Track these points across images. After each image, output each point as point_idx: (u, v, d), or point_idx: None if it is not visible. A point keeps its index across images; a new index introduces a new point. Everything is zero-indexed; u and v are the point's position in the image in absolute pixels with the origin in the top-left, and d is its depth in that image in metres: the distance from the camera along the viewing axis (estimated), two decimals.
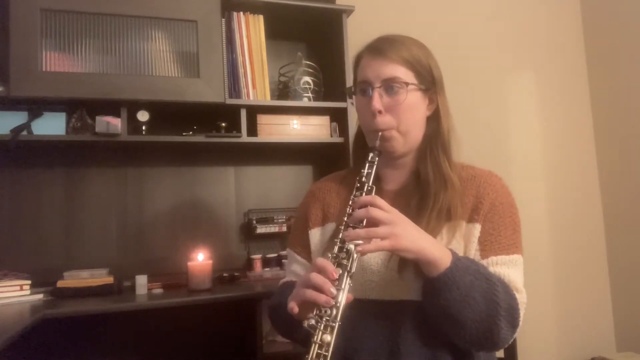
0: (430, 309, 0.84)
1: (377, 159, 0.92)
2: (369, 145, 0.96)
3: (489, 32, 2.41)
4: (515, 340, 1.32)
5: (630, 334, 2.35)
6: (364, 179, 0.90)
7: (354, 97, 1.02)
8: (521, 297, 0.87)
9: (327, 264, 0.79)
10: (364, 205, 0.81)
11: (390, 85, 0.92)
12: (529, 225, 2.40)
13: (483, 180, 0.95)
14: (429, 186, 0.93)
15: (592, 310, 2.41)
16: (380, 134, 0.93)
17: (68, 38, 1.57)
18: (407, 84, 0.92)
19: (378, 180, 0.98)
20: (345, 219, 0.86)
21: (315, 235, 1.04)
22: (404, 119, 0.93)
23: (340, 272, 0.79)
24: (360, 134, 1.04)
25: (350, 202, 0.88)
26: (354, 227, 0.82)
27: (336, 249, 0.82)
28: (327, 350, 0.75)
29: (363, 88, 0.96)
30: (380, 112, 0.92)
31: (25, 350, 1.43)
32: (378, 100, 0.92)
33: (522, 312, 0.86)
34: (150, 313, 1.48)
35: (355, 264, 0.80)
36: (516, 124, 2.41)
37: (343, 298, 0.78)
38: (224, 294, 1.52)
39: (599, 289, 2.44)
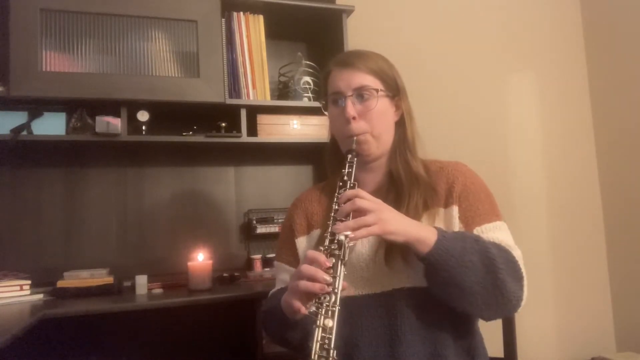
0: (435, 286, 0.87)
1: (355, 159, 0.97)
2: (345, 151, 1.01)
3: (489, 32, 2.41)
4: (515, 340, 1.33)
5: (630, 334, 2.35)
6: (345, 177, 0.95)
7: (328, 108, 1.06)
8: (516, 252, 0.90)
9: (317, 254, 0.82)
10: (349, 199, 0.86)
11: (361, 93, 0.99)
12: (529, 225, 2.42)
13: (451, 168, 1.02)
14: (402, 184, 1.00)
15: (592, 310, 2.41)
16: (355, 138, 0.98)
17: (68, 38, 1.57)
18: (377, 90, 0.99)
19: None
20: (332, 214, 0.90)
21: (302, 243, 1.07)
22: (376, 123, 0.99)
23: (334, 261, 0.82)
24: (333, 145, 1.09)
25: (335, 200, 0.92)
26: (342, 221, 0.85)
27: (327, 241, 0.86)
28: (330, 333, 0.77)
29: (335, 99, 1.02)
30: (354, 118, 0.98)
31: (25, 350, 1.43)
32: (352, 107, 0.98)
33: (522, 265, 0.89)
34: (150, 313, 1.48)
35: (347, 253, 0.83)
36: (516, 124, 2.41)
37: (340, 284, 0.80)
38: (224, 294, 1.52)
39: (599, 289, 2.44)
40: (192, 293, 1.55)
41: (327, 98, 1.05)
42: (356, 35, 1.92)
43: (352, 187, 0.93)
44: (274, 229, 1.89)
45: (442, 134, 2.12)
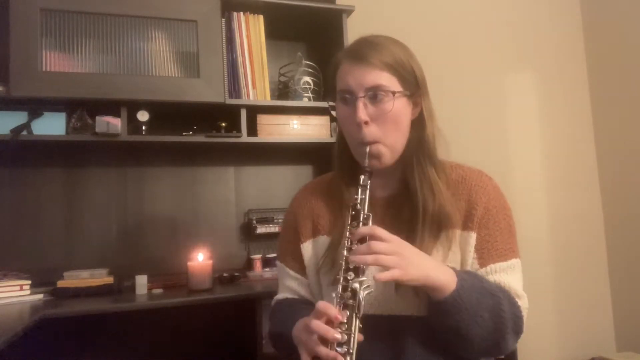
0: (439, 327, 0.83)
1: (369, 181, 0.87)
2: (357, 158, 0.92)
3: (489, 32, 2.41)
4: None
5: (630, 334, 2.35)
6: (358, 206, 0.85)
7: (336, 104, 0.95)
8: (523, 303, 0.87)
9: (328, 307, 0.75)
10: (364, 238, 0.79)
11: (374, 94, 0.87)
12: (529, 225, 2.41)
13: (474, 183, 0.92)
14: (416, 195, 0.90)
15: (592, 310, 2.41)
16: (367, 151, 0.88)
17: (68, 38, 1.57)
18: (393, 93, 0.87)
19: None
20: (345, 253, 0.81)
21: (308, 249, 1.00)
22: (390, 128, 0.89)
23: (348, 314, 0.76)
24: (343, 144, 0.98)
25: (347, 234, 0.84)
26: (357, 269, 0.79)
27: (340, 288, 0.79)
28: None
29: (344, 97, 0.90)
30: (366, 122, 0.87)
31: (25, 350, 1.43)
32: (363, 111, 0.86)
33: (525, 318, 0.87)
34: (150, 313, 1.48)
35: (362, 304, 0.77)
36: (516, 124, 2.41)
37: (355, 342, 0.75)
38: (224, 294, 1.52)
39: (599, 289, 2.44)
40: (192, 293, 1.55)
41: (336, 94, 0.93)
42: (356, 35, 1.91)
43: (366, 219, 0.83)
44: (274, 229, 1.89)
45: (442, 130, 2.11)
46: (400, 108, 0.89)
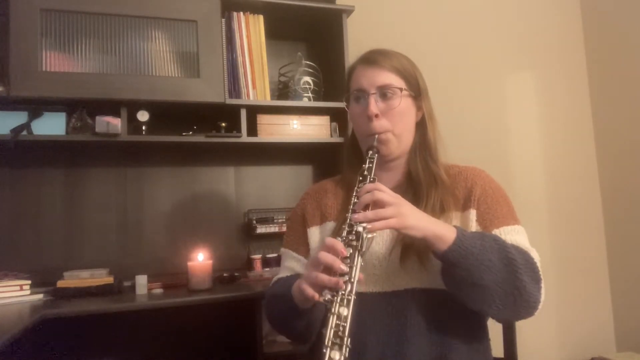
0: (452, 284, 0.86)
1: (376, 156, 0.98)
2: (365, 149, 1.01)
3: (489, 32, 2.41)
4: (515, 339, 1.33)
5: (630, 334, 2.35)
6: (365, 172, 0.94)
7: (349, 105, 1.07)
8: (534, 254, 0.90)
9: (335, 241, 0.81)
10: (369, 192, 0.85)
11: (384, 92, 1.00)
12: (529, 225, 2.39)
13: (470, 173, 1.02)
14: (420, 184, 1.00)
15: (592, 310, 2.41)
16: (377, 137, 0.99)
17: (68, 38, 1.57)
18: (400, 89, 1.00)
19: None
20: (351, 206, 0.89)
21: (315, 234, 1.07)
22: (398, 122, 1.00)
23: (351, 251, 0.81)
24: (353, 141, 1.10)
25: (354, 193, 0.91)
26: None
27: (344, 232, 0.85)
28: (345, 322, 0.76)
29: (358, 96, 1.03)
30: (377, 116, 0.98)
31: (25, 350, 1.43)
32: (374, 105, 0.99)
33: (540, 268, 0.88)
34: (150, 313, 1.48)
35: (365, 244, 0.82)
36: (516, 125, 2.41)
37: (356, 274, 0.80)
38: (224, 294, 1.52)
39: (599, 289, 2.44)
40: (192, 293, 1.55)
41: (349, 95, 1.05)
42: (356, 35, 1.92)
43: (372, 182, 0.92)
44: (274, 229, 1.89)
45: (442, 134, 2.12)
46: (406, 105, 1.01)
